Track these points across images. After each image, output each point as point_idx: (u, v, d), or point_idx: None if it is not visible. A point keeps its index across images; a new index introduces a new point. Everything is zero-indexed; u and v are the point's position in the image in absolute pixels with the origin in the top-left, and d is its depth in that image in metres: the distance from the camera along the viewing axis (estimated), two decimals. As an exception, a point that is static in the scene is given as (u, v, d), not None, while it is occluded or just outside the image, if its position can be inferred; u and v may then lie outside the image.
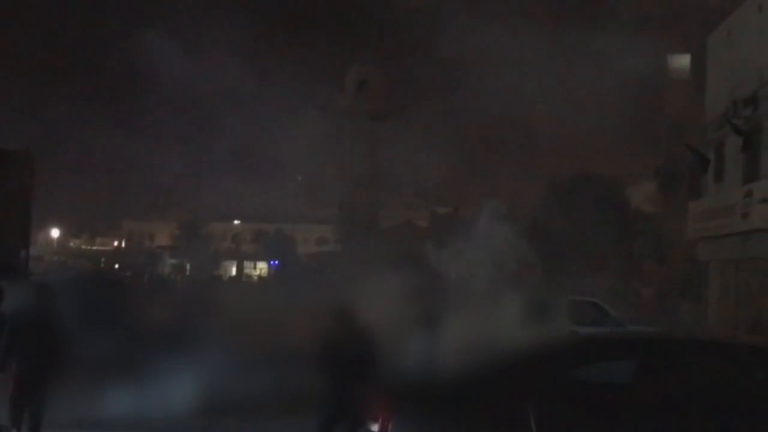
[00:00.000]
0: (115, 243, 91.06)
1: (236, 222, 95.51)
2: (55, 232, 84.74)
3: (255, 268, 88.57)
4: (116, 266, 69.30)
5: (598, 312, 24.35)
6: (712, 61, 34.28)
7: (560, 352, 10.78)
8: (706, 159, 33.53)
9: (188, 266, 72.81)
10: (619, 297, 34.25)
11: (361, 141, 54.33)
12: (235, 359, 15.85)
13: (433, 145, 33.34)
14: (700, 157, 33.63)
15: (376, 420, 9.42)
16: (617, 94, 30.05)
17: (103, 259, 79.07)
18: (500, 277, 30.00)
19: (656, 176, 39.08)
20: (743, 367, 10.16)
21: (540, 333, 22.30)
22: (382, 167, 51.85)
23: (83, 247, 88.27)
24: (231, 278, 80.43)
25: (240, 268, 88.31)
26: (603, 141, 35.68)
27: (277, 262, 78.09)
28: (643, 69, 29.74)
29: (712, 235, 31.55)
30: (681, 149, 34.62)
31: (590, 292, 30.37)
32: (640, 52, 27.22)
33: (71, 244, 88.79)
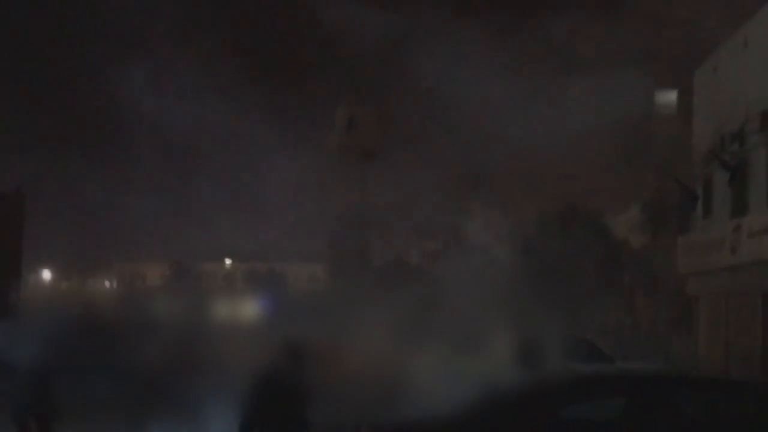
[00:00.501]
0: (107, 284, 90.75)
1: (227, 261, 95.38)
2: (46, 274, 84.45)
3: (246, 307, 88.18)
4: (107, 308, 69.04)
5: (589, 348, 24.37)
6: (698, 96, 34.54)
7: (551, 390, 10.82)
8: (694, 194, 33.70)
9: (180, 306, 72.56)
10: (610, 332, 34.29)
11: (351, 178, 54.48)
12: (226, 400, 15.82)
13: (422, 182, 33.49)
14: (688, 191, 33.81)
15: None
16: (605, 130, 30.23)
17: (94, 301, 78.93)
18: (488, 312, 30.05)
19: (645, 211, 39.24)
20: (734, 404, 10.20)
21: (530, 370, 22.32)
22: (371, 204, 51.97)
23: (74, 288, 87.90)
24: (222, 318, 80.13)
25: (231, 308, 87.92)
26: (591, 177, 35.84)
27: (268, 301, 77.81)
28: (631, 105, 29.92)
29: (701, 270, 31.65)
30: (669, 184, 34.79)
31: (581, 328, 30.42)
32: (626, 88, 27.41)
33: (62, 285, 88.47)
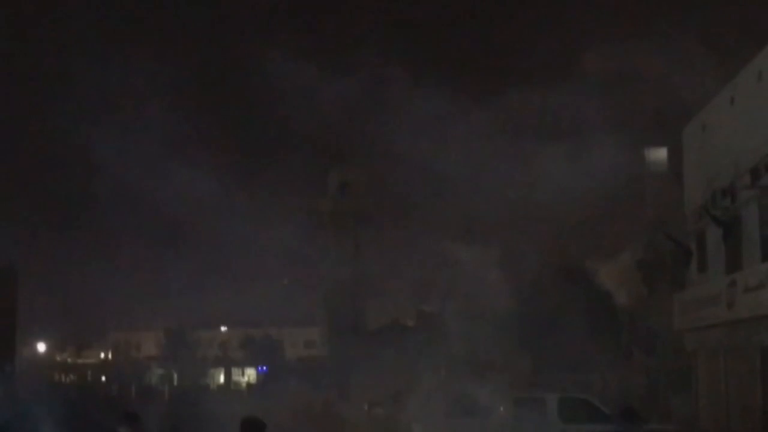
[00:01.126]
0: (102, 355, 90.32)
1: (223, 328, 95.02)
2: (40, 346, 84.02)
3: (243, 374, 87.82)
4: (103, 379, 68.70)
5: (589, 408, 24.24)
6: (688, 153, 34.77)
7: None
8: (688, 250, 33.77)
9: (176, 375, 72.20)
10: (609, 391, 34.13)
11: (345, 242, 54.46)
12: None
13: (416, 245, 33.54)
14: (682, 247, 33.88)
15: None
16: (597, 189, 30.38)
17: (89, 372, 78.35)
18: (486, 373, 29.99)
19: (640, 268, 39.26)
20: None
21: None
22: (365, 267, 51.91)
23: (69, 360, 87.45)
24: (219, 386, 79.70)
25: (228, 375, 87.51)
26: (585, 236, 35.94)
27: (265, 367, 77.50)
28: (621, 163, 30.11)
29: (698, 325, 31.61)
30: (663, 241, 34.88)
31: (580, 387, 30.30)
32: (616, 148, 27.63)
33: (57, 357, 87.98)
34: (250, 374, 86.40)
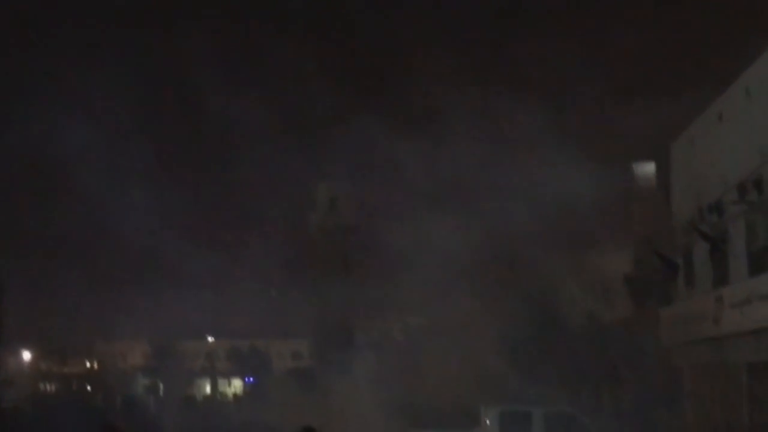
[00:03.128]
0: (87, 364, 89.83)
1: (210, 339, 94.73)
2: (26, 355, 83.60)
3: (230, 385, 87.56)
4: (88, 388, 68.39)
5: (575, 423, 24.24)
6: (676, 168, 34.84)
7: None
8: (675, 265, 33.79)
9: (161, 386, 71.92)
10: (596, 407, 34.11)
11: (334, 256, 54.48)
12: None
13: (403, 259, 33.55)
14: (669, 263, 33.89)
15: None
16: (585, 204, 30.44)
17: (74, 382, 77.98)
18: (473, 387, 29.98)
19: (627, 283, 39.25)
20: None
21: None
22: (354, 281, 51.90)
23: (55, 369, 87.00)
24: (205, 397, 79.43)
25: (214, 386, 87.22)
26: (572, 251, 35.98)
27: (252, 378, 77.28)
28: (609, 178, 30.22)
29: (685, 341, 31.62)
30: (650, 256, 34.90)
31: (566, 403, 30.26)
32: (604, 162, 27.74)
33: (42, 366, 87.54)
34: (236, 385, 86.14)
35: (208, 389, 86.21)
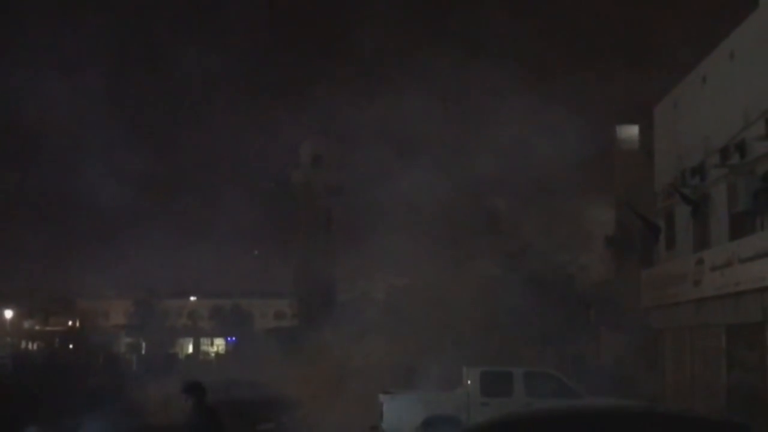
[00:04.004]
0: (69, 323, 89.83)
1: (192, 298, 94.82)
2: (8, 314, 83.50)
3: (212, 344, 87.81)
4: (71, 347, 68.39)
5: (555, 383, 24.41)
6: (659, 131, 34.92)
7: (520, 427, 10.82)
8: (657, 227, 33.96)
9: (144, 344, 72.03)
10: (577, 366, 34.33)
11: (316, 215, 54.41)
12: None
13: (386, 218, 33.52)
14: (650, 225, 34.05)
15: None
16: (567, 165, 30.47)
17: (57, 340, 77.94)
18: (456, 347, 30.15)
19: (608, 245, 39.44)
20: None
21: (496, 406, 22.36)
22: (336, 240, 51.91)
23: (37, 327, 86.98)
24: (187, 356, 79.63)
25: (197, 345, 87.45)
26: (554, 213, 36.04)
27: (234, 338, 77.51)
28: (592, 140, 30.23)
29: (665, 303, 31.85)
30: (632, 218, 35.04)
31: (548, 363, 30.48)
32: (587, 124, 27.74)
33: (25, 324, 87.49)
34: (219, 344, 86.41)
35: (190, 348, 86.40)
